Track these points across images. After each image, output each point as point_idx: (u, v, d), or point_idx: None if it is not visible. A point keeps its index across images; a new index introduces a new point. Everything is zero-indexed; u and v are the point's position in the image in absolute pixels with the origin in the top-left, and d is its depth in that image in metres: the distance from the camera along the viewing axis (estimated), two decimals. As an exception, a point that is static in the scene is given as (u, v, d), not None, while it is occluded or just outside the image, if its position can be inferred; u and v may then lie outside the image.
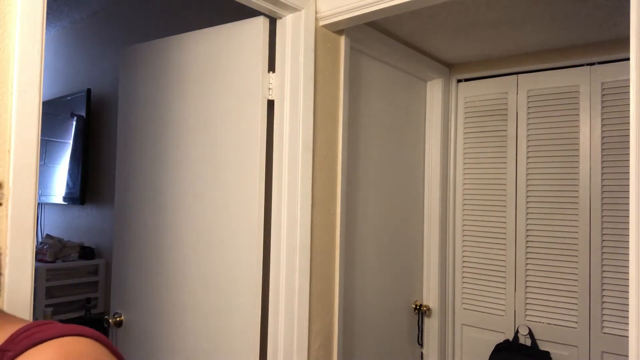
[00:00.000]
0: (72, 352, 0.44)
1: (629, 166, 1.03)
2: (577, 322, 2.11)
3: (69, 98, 2.98)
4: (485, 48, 2.23)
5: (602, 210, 2.06)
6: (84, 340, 0.47)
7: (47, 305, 2.51)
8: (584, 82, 2.13)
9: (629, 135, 1.04)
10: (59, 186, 3.02)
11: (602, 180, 2.07)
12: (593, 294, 2.07)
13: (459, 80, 2.50)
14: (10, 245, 0.96)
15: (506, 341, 2.26)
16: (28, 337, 0.47)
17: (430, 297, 2.42)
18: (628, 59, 1.05)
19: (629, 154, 1.03)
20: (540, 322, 2.21)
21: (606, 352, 2.04)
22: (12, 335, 0.50)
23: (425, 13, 1.81)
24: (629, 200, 1.02)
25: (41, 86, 1.01)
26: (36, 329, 0.48)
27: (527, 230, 2.24)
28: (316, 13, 1.64)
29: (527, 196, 2.25)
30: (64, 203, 3.01)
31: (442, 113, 2.43)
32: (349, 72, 1.79)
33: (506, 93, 2.34)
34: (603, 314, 2.05)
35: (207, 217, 1.62)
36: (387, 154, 2.18)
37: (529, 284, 2.24)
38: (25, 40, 0.99)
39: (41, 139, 1.02)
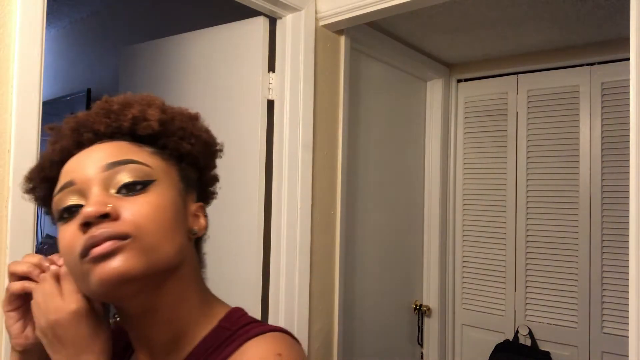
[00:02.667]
0: (290, 342, 0.58)
1: (629, 166, 1.03)
2: (577, 322, 2.11)
3: (69, 98, 2.98)
4: (485, 48, 2.23)
5: (602, 210, 2.06)
6: (290, 338, 0.59)
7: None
8: (584, 82, 2.13)
9: (629, 135, 1.04)
10: (59, 186, 3.01)
11: (602, 180, 2.07)
12: (593, 294, 2.07)
13: (459, 80, 2.50)
14: (10, 245, 0.96)
15: (506, 341, 2.26)
16: (256, 327, 0.58)
17: (430, 297, 2.42)
18: (628, 59, 1.05)
19: (629, 154, 1.03)
20: (540, 322, 2.21)
21: (606, 352, 2.04)
22: (229, 316, 0.61)
23: (425, 13, 1.81)
24: (629, 200, 1.02)
25: (41, 86, 1.02)
26: (257, 324, 0.60)
27: (527, 230, 2.24)
28: (316, 13, 1.64)
29: (527, 196, 2.25)
30: (64, 203, 3.00)
31: (442, 113, 2.43)
32: (349, 72, 1.79)
33: (506, 93, 2.34)
34: (603, 314, 2.05)
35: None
36: (387, 153, 2.18)
37: (529, 284, 2.23)
38: (25, 40, 0.99)
39: (41, 139, 1.02)
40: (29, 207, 0.98)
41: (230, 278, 1.56)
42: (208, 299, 0.63)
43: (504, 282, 2.31)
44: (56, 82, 3.17)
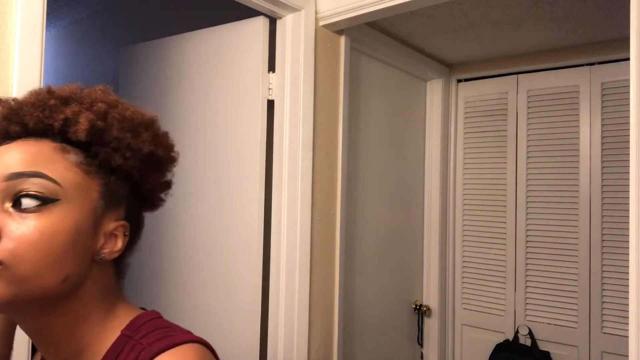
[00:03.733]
0: (202, 355, 0.54)
1: (629, 166, 1.03)
2: (577, 322, 2.11)
3: (69, 98, 2.98)
4: (485, 48, 2.23)
5: (602, 210, 2.06)
6: (203, 348, 0.56)
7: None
8: (584, 82, 2.13)
9: (629, 135, 1.04)
10: (59, 186, 3.01)
11: (602, 180, 2.07)
12: (593, 294, 2.07)
13: (459, 80, 2.50)
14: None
15: (506, 341, 2.26)
16: (163, 338, 0.54)
17: (430, 297, 2.42)
18: (628, 59, 1.05)
19: (629, 154, 1.03)
20: (540, 322, 2.21)
21: (606, 352, 2.04)
22: (133, 323, 0.57)
23: (425, 13, 1.81)
24: (629, 200, 1.02)
25: (41, 86, 1.01)
26: (164, 330, 0.57)
27: (527, 230, 2.24)
28: (316, 13, 1.64)
29: (527, 196, 2.25)
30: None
31: (442, 113, 2.43)
32: (349, 72, 1.79)
33: (506, 93, 2.34)
34: (603, 314, 2.05)
35: (207, 217, 1.62)
36: (387, 153, 2.18)
37: (529, 284, 2.23)
38: (25, 40, 0.99)
39: (41, 139, 1.02)
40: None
41: (230, 278, 1.56)
42: (113, 311, 0.58)
43: (504, 282, 2.31)
44: (56, 82, 3.16)
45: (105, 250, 0.56)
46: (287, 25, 1.58)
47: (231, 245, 1.56)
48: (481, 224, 2.39)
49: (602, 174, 2.07)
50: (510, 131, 2.31)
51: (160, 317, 0.61)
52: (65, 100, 0.56)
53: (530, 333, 2.21)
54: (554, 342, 2.16)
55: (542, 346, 2.18)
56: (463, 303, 2.44)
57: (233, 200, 1.56)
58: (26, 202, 0.49)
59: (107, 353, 0.55)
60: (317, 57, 1.63)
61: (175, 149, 0.65)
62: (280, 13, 1.56)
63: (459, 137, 2.48)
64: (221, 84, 1.61)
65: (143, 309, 0.62)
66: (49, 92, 0.57)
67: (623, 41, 2.02)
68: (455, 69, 2.49)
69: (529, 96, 2.27)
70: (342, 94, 1.74)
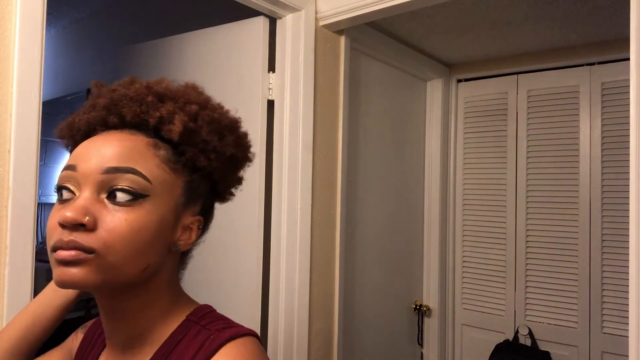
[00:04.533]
0: (260, 350, 0.59)
1: (629, 166, 1.03)
2: (577, 322, 2.11)
3: (69, 98, 2.98)
4: (485, 48, 2.23)
5: (602, 210, 2.06)
6: (259, 344, 0.60)
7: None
8: (584, 82, 2.13)
9: (629, 135, 1.04)
10: (59, 186, 3.01)
11: (602, 180, 2.07)
12: (593, 294, 2.07)
13: (459, 80, 2.50)
14: (10, 245, 0.96)
15: (506, 341, 2.26)
16: (228, 328, 0.59)
17: (430, 297, 2.42)
18: (628, 59, 1.05)
19: (629, 154, 1.03)
20: (540, 322, 2.21)
21: (606, 352, 2.04)
22: (197, 311, 0.62)
23: (425, 13, 1.81)
24: (629, 200, 1.02)
25: (41, 86, 1.02)
26: (226, 321, 0.61)
27: (527, 230, 2.24)
28: (316, 13, 1.64)
29: (527, 196, 2.25)
30: (64, 203, 3.00)
31: (442, 113, 2.43)
32: (349, 72, 1.79)
33: (506, 93, 2.34)
34: (603, 314, 2.05)
35: (207, 217, 1.61)
36: (387, 153, 2.18)
37: (529, 284, 2.23)
38: (25, 40, 0.99)
39: (41, 139, 1.02)
40: (29, 207, 0.98)
41: (231, 278, 1.56)
42: (178, 299, 0.63)
43: (504, 282, 2.31)
44: (56, 82, 3.17)
45: (181, 242, 0.59)
46: (287, 25, 1.58)
47: (231, 245, 1.56)
48: (481, 224, 2.39)
49: (602, 174, 2.07)
50: (510, 131, 2.31)
51: (214, 310, 0.65)
52: (161, 97, 0.60)
53: (530, 333, 2.21)
54: (554, 342, 2.16)
55: (542, 346, 2.18)
56: (463, 303, 2.44)
57: (233, 200, 1.56)
58: (120, 196, 0.53)
59: (171, 335, 0.59)
60: (317, 57, 1.63)
61: (252, 149, 0.69)
62: (280, 13, 1.56)
63: (459, 137, 2.48)
64: (221, 84, 1.61)
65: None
66: (148, 87, 0.61)
67: (623, 41, 2.02)
68: (455, 69, 2.49)
69: (529, 96, 2.27)
70: (342, 93, 1.74)
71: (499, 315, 2.32)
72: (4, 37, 0.98)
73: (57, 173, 3.03)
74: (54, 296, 0.72)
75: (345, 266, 1.79)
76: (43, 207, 3.23)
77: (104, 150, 0.55)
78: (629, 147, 1.02)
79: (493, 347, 2.26)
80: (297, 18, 1.58)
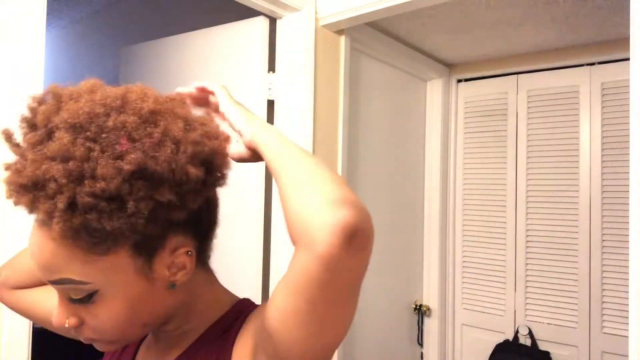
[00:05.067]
0: None
1: (629, 166, 1.03)
2: (577, 322, 2.11)
3: (69, 98, 2.97)
4: (485, 48, 2.23)
5: (602, 210, 2.06)
6: None
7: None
8: (584, 82, 2.13)
9: (629, 135, 1.04)
10: (59, 186, 3.01)
11: (602, 180, 2.07)
12: (593, 294, 2.07)
13: (459, 80, 2.50)
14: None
15: (506, 341, 2.26)
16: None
17: (430, 297, 2.42)
18: (628, 59, 1.05)
19: (629, 154, 1.03)
20: (540, 322, 2.21)
21: (606, 352, 2.04)
22: (241, 301, 0.63)
23: (425, 13, 1.81)
24: (629, 200, 1.02)
25: (41, 86, 1.01)
26: None
27: (527, 230, 2.24)
28: (316, 13, 1.64)
29: (527, 196, 2.25)
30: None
31: (442, 113, 2.43)
32: (349, 72, 1.79)
33: (506, 93, 2.34)
34: (603, 314, 2.05)
35: (207, 217, 1.62)
36: (387, 153, 2.18)
37: (529, 284, 2.23)
38: (25, 40, 0.99)
39: (41, 139, 1.02)
40: (29, 207, 0.98)
41: (231, 277, 1.56)
42: (215, 288, 0.64)
43: (504, 282, 2.31)
44: (56, 82, 3.17)
45: (176, 279, 0.55)
46: (287, 25, 1.58)
47: (231, 245, 1.56)
48: (481, 224, 2.39)
49: (602, 173, 2.07)
50: (510, 131, 2.31)
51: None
52: (32, 185, 0.47)
53: (530, 333, 2.21)
54: (554, 342, 2.16)
55: (542, 346, 2.18)
56: (463, 303, 2.44)
57: (233, 200, 1.56)
58: (78, 300, 0.53)
59: (218, 321, 0.60)
60: (317, 57, 1.63)
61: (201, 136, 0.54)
62: (280, 13, 1.56)
63: (459, 137, 2.48)
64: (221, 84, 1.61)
65: None
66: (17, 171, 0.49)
67: (623, 41, 2.02)
68: (455, 69, 2.49)
69: (529, 96, 2.27)
70: (342, 94, 1.74)
71: (499, 315, 2.32)
72: (5, 37, 0.98)
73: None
74: None
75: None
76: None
77: (36, 259, 0.52)
78: (629, 147, 1.02)
79: (493, 347, 2.26)
80: (297, 18, 1.58)
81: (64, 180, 0.46)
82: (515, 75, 2.31)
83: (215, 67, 1.63)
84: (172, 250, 0.54)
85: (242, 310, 0.61)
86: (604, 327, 2.04)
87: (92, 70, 2.98)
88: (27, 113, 0.53)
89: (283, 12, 1.56)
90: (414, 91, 2.39)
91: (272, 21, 1.58)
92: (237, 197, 1.56)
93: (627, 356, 1.01)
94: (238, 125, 0.60)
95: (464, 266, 2.44)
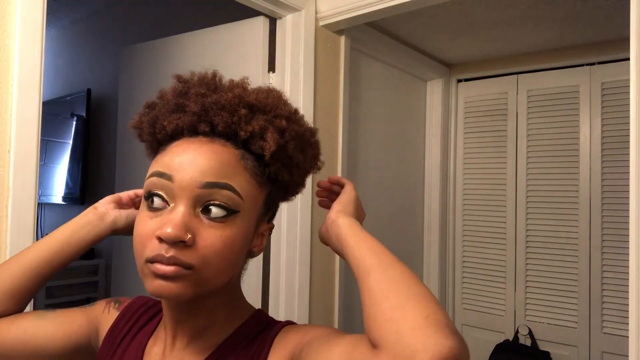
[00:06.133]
0: None
1: (629, 166, 1.03)
2: (577, 322, 2.11)
3: (69, 98, 2.98)
4: (485, 48, 2.23)
5: (602, 210, 2.06)
6: None
7: (47, 305, 2.51)
8: (584, 82, 2.13)
9: (629, 135, 1.04)
10: (58, 186, 3.02)
11: (602, 180, 2.07)
12: (593, 294, 2.07)
13: (459, 80, 2.50)
14: (10, 245, 0.96)
15: (506, 341, 2.26)
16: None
17: (430, 297, 2.42)
18: (628, 59, 1.05)
19: (629, 154, 1.03)
20: (540, 322, 2.21)
21: (606, 352, 2.04)
22: (260, 310, 0.66)
23: (425, 13, 1.81)
24: (629, 200, 1.02)
25: (41, 86, 1.02)
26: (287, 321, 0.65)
27: (527, 230, 2.24)
28: (316, 13, 1.64)
29: (527, 196, 2.25)
30: (63, 203, 3.01)
31: (442, 113, 2.43)
32: (349, 72, 1.79)
33: (506, 93, 2.34)
34: (603, 314, 2.05)
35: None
36: (387, 153, 2.18)
37: (529, 284, 2.23)
38: (25, 40, 0.99)
39: (41, 139, 1.02)
40: (29, 207, 0.99)
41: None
42: (240, 295, 0.66)
43: (504, 282, 2.31)
44: (56, 82, 3.17)
45: (255, 249, 0.62)
46: (287, 25, 1.58)
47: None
48: (481, 224, 2.39)
49: (602, 174, 2.07)
50: (510, 131, 2.31)
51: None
52: (252, 109, 0.60)
53: (530, 333, 2.21)
54: (554, 342, 2.16)
55: (542, 346, 2.18)
56: (463, 303, 2.44)
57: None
58: (215, 212, 0.55)
59: (241, 327, 0.62)
60: (317, 57, 1.63)
61: (322, 157, 0.71)
62: (280, 13, 1.56)
63: (459, 137, 2.48)
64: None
65: None
66: (239, 97, 0.61)
67: (623, 41, 2.02)
68: (455, 69, 2.49)
69: (529, 96, 2.27)
70: (342, 94, 1.74)
71: (499, 315, 2.32)
72: (4, 37, 0.99)
73: (56, 173, 3.03)
74: (83, 230, 0.72)
75: (345, 266, 1.79)
76: (43, 207, 3.23)
77: (201, 163, 0.55)
78: (629, 147, 1.02)
79: (493, 347, 2.26)
80: (297, 18, 1.58)
81: (284, 113, 0.61)
82: (515, 75, 2.31)
83: (215, 67, 1.62)
84: (267, 222, 0.64)
85: (264, 321, 0.64)
86: (604, 327, 2.05)
87: (92, 70, 2.98)
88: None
89: (283, 12, 1.56)
90: (414, 91, 2.39)
91: (272, 21, 1.58)
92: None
93: (627, 356, 1.01)
94: (340, 199, 0.70)
95: (464, 266, 2.44)
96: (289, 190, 0.68)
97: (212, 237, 0.54)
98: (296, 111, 0.66)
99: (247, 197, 0.57)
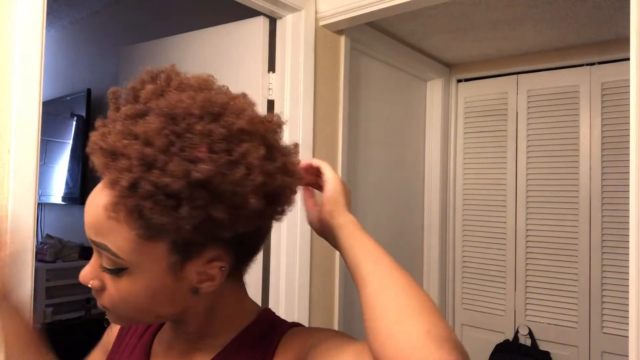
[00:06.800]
0: None
1: (629, 166, 1.03)
2: (577, 322, 2.11)
3: (69, 98, 2.98)
4: (485, 48, 2.23)
5: (602, 210, 2.06)
6: None
7: (47, 305, 2.51)
8: (584, 82, 2.13)
9: (629, 135, 1.04)
10: (58, 186, 3.02)
11: (602, 180, 2.07)
12: (593, 294, 2.07)
13: (459, 80, 2.50)
14: (11, 245, 0.96)
15: (506, 341, 2.26)
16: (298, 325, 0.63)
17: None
18: (628, 59, 1.05)
19: (629, 154, 1.03)
20: (540, 322, 2.21)
21: (606, 352, 2.04)
22: (267, 309, 0.64)
23: (425, 13, 1.81)
24: (629, 200, 1.02)
25: (41, 86, 1.01)
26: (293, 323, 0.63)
27: (527, 230, 2.24)
28: (316, 13, 1.64)
29: (527, 196, 2.25)
30: (63, 203, 3.01)
31: (442, 113, 2.43)
32: (349, 72, 1.79)
33: (506, 93, 2.34)
34: (603, 314, 2.05)
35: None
36: (387, 153, 2.18)
37: (529, 284, 2.23)
38: (25, 40, 0.99)
39: (41, 139, 1.02)
40: (29, 207, 0.98)
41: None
42: (243, 298, 0.64)
43: (504, 282, 2.31)
44: (56, 82, 3.17)
45: (202, 287, 0.55)
46: (287, 25, 1.58)
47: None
48: (481, 224, 2.39)
49: (602, 174, 2.07)
50: (510, 131, 2.31)
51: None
52: (114, 153, 0.49)
53: (530, 333, 2.21)
54: (554, 342, 2.16)
55: (542, 346, 2.18)
56: (463, 303, 2.44)
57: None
58: (106, 268, 0.54)
59: (247, 329, 0.61)
60: (317, 57, 1.63)
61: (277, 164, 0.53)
62: (280, 13, 1.56)
63: (459, 137, 2.48)
64: (221, 84, 1.61)
65: None
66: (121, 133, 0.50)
67: (623, 41, 2.02)
68: (455, 69, 2.49)
69: (529, 96, 2.27)
70: (342, 94, 1.74)
71: (499, 315, 2.32)
72: (4, 37, 0.98)
73: (56, 173, 3.03)
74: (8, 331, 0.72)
75: (345, 266, 1.79)
76: (43, 207, 3.23)
77: (87, 215, 0.53)
78: (629, 147, 1.02)
79: (493, 347, 2.26)
80: (297, 18, 1.58)
81: (136, 162, 0.47)
82: (515, 75, 2.31)
83: (215, 67, 1.63)
84: (207, 261, 0.54)
85: (271, 320, 0.63)
86: (604, 327, 2.04)
87: (92, 70, 2.98)
88: (137, 84, 0.55)
89: (283, 12, 1.56)
90: (414, 91, 2.39)
91: (272, 21, 1.58)
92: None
93: (627, 356, 1.01)
94: (328, 194, 0.63)
95: (464, 266, 2.44)
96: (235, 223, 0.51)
97: (111, 287, 0.54)
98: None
99: (131, 256, 0.51)
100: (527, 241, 2.24)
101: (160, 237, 0.50)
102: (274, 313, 0.66)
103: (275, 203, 0.54)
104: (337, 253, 1.70)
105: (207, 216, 0.48)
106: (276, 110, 1.58)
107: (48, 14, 1.04)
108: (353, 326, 1.96)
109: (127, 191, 0.48)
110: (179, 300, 0.56)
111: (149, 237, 0.50)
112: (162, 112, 0.49)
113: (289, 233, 1.55)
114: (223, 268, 0.55)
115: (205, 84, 0.55)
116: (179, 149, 0.48)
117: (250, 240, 0.58)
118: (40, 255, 2.60)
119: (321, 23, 1.65)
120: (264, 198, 0.51)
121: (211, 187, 0.48)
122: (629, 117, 1.02)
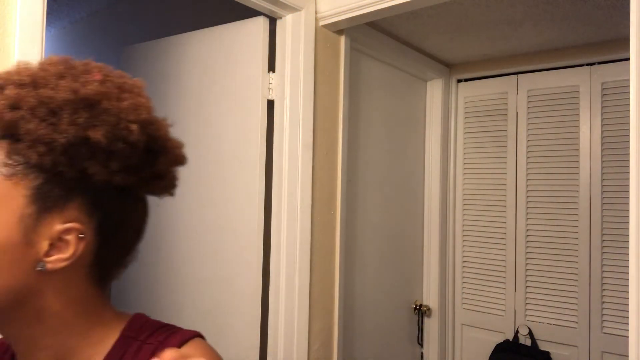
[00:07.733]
0: (211, 348, 0.55)
1: (629, 166, 1.03)
2: (577, 322, 2.11)
3: (69, 98, 2.97)
4: (485, 48, 2.23)
5: (602, 210, 2.06)
6: (207, 343, 0.57)
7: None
8: (584, 82, 2.13)
9: (629, 135, 1.04)
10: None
11: (602, 180, 2.07)
12: (593, 294, 2.07)
13: (459, 80, 2.50)
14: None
15: (506, 341, 2.26)
16: (171, 335, 0.54)
17: (430, 297, 2.42)
18: (628, 59, 1.05)
19: (629, 154, 1.03)
20: (540, 322, 2.21)
21: (606, 352, 2.04)
22: (132, 325, 0.56)
23: (425, 13, 1.81)
24: (629, 200, 1.02)
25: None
26: (166, 328, 0.56)
27: (527, 230, 2.24)
28: (316, 13, 1.64)
29: (527, 196, 2.25)
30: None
31: (442, 113, 2.43)
32: (349, 72, 1.79)
33: (506, 93, 2.34)
34: (603, 314, 2.05)
35: (207, 217, 1.62)
36: (387, 153, 2.18)
37: (529, 284, 2.23)
38: (25, 40, 0.99)
39: (41, 139, 1.01)
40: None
41: (231, 278, 1.56)
42: (101, 318, 0.55)
43: (504, 282, 2.31)
44: (56, 82, 3.17)
45: (50, 259, 0.48)
46: (287, 25, 1.58)
47: (231, 245, 1.56)
48: (481, 224, 2.39)
49: (602, 173, 2.07)
50: (510, 131, 2.31)
51: (149, 318, 0.60)
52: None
53: (530, 333, 2.21)
54: (554, 342, 2.16)
55: (542, 346, 2.18)
56: (463, 303, 2.44)
57: (233, 200, 1.56)
58: None
59: (109, 355, 0.53)
60: (317, 57, 1.63)
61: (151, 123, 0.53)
62: (280, 13, 1.56)
63: (459, 137, 2.48)
64: (221, 84, 1.61)
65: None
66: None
67: (623, 41, 2.02)
68: (455, 69, 2.49)
69: (529, 96, 2.27)
70: (342, 93, 1.74)
71: (499, 315, 2.32)
72: (4, 37, 0.98)
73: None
74: None
75: (345, 266, 1.79)
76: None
77: None
78: (629, 147, 1.02)
79: (493, 347, 2.26)
80: (297, 18, 1.58)
81: (10, 90, 0.46)
82: (515, 75, 2.31)
83: (215, 67, 1.63)
84: (65, 220, 0.48)
85: (137, 337, 0.55)
86: (604, 327, 2.05)
87: (92, 70, 2.98)
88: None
89: (283, 12, 1.56)
90: (414, 91, 2.39)
91: (272, 21, 1.58)
92: (237, 201, 1.56)
93: (627, 356, 1.01)
94: None
95: (464, 266, 2.44)
96: (103, 176, 0.49)
97: None
98: (50, 74, 0.49)
99: None
100: (527, 241, 2.24)
101: (28, 171, 0.47)
102: (146, 321, 0.57)
103: (156, 159, 0.52)
104: (337, 252, 1.71)
105: (84, 138, 0.46)
106: (276, 110, 1.58)
107: (48, 14, 1.04)
108: (353, 326, 1.96)
109: (8, 109, 0.46)
110: (19, 273, 0.47)
111: (15, 172, 0.47)
112: (51, 73, 0.49)
113: (289, 233, 1.55)
114: (81, 236, 0.49)
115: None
116: (71, 77, 0.48)
117: (122, 224, 0.53)
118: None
119: (321, 23, 1.65)
120: (145, 144, 0.50)
121: (96, 108, 0.47)
122: (629, 117, 1.02)
